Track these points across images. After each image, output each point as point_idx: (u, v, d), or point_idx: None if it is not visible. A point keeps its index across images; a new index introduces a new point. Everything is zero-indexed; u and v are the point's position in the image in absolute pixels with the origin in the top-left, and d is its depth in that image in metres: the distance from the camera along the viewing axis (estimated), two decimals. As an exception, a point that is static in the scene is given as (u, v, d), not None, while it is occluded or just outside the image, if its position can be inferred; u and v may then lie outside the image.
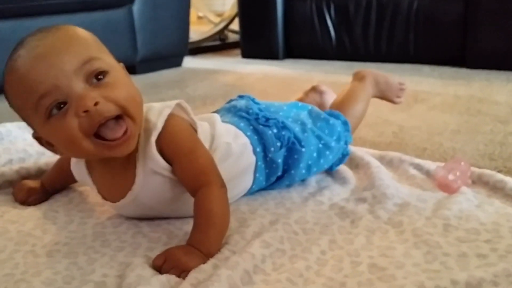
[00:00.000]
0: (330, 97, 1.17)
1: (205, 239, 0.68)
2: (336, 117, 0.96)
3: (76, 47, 0.67)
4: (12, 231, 0.78)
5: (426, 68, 2.10)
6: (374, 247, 0.70)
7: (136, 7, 2.13)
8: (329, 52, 2.41)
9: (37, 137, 0.72)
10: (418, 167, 0.96)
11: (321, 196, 0.86)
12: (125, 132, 0.67)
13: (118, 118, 0.67)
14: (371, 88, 1.09)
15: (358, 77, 1.11)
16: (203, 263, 0.65)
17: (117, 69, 0.69)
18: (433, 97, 1.60)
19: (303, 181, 0.93)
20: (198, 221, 0.69)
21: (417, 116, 1.37)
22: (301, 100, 1.16)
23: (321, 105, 1.17)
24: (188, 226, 0.72)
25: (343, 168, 0.97)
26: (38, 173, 0.96)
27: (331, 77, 2.02)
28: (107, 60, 0.68)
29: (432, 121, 1.28)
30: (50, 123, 0.66)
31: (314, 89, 1.20)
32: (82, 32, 0.70)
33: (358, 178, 0.94)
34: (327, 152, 0.90)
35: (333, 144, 0.91)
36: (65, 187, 0.93)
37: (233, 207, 0.82)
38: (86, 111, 0.64)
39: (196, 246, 0.67)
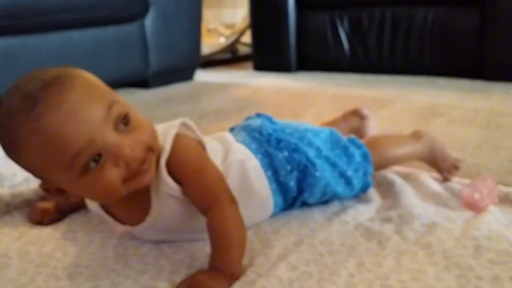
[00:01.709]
0: (372, 123, 1.12)
1: (227, 260, 0.67)
2: (357, 146, 0.91)
3: (97, 94, 0.64)
4: (32, 253, 0.77)
5: (442, 81, 2.08)
6: (403, 270, 0.68)
7: (148, 22, 2.13)
8: (342, 64, 2.40)
9: (45, 189, 0.69)
10: (442, 185, 0.94)
11: (345, 215, 0.84)
12: (145, 160, 0.66)
13: None
14: (422, 148, 0.98)
15: (415, 134, 1.01)
16: (229, 286, 0.64)
17: (129, 106, 0.67)
18: (451, 110, 1.57)
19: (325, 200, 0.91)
20: (216, 243, 0.68)
21: (436, 131, 1.35)
22: (337, 123, 1.11)
23: (359, 130, 1.12)
24: (209, 247, 0.71)
25: (366, 186, 0.95)
26: (57, 192, 0.95)
27: (345, 90, 2.01)
28: (118, 98, 0.66)
29: (453, 136, 1.26)
30: (86, 178, 0.63)
31: (355, 113, 1.13)
32: (89, 75, 0.66)
33: (382, 196, 0.92)
34: (344, 181, 0.87)
35: (349, 173, 0.87)
36: (80, 205, 0.92)
37: (255, 227, 0.82)
38: (124, 160, 0.63)
39: (219, 269, 0.67)
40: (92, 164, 0.62)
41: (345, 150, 0.90)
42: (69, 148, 0.60)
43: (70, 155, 0.61)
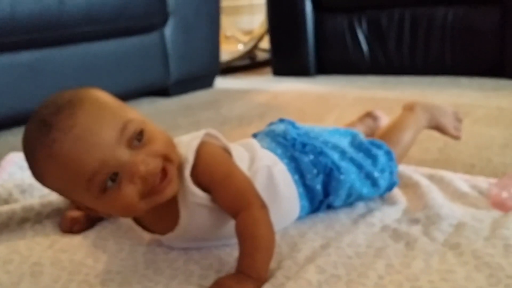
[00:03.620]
0: (385, 123, 1.13)
1: (253, 264, 0.67)
2: (378, 147, 0.92)
3: (109, 117, 0.65)
4: (64, 261, 0.78)
5: (464, 80, 2.06)
6: (433, 271, 0.68)
7: (167, 31, 2.16)
8: (362, 67, 2.39)
9: (77, 207, 0.72)
10: (469, 185, 0.94)
11: (372, 217, 0.84)
12: (166, 174, 0.67)
13: None
14: (422, 116, 1.03)
15: (407, 107, 1.05)
16: (257, 289, 0.65)
17: (144, 121, 0.68)
18: (475, 110, 1.56)
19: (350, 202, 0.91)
20: (243, 246, 0.69)
21: (460, 130, 1.34)
22: (353, 126, 1.13)
23: (375, 131, 1.13)
24: (237, 252, 0.71)
25: (391, 187, 0.95)
26: (85, 201, 0.97)
27: (366, 93, 2.01)
28: (134, 116, 0.67)
29: (478, 135, 1.25)
30: (106, 197, 0.65)
31: (369, 114, 1.16)
32: (103, 96, 0.68)
33: (408, 198, 0.92)
34: (370, 183, 0.88)
35: (376, 174, 0.88)
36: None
37: (281, 231, 0.82)
38: (140, 176, 0.65)
39: (245, 272, 0.67)
40: (110, 183, 0.64)
41: (367, 152, 0.90)
42: (83, 171, 0.63)
43: (85, 177, 0.63)
